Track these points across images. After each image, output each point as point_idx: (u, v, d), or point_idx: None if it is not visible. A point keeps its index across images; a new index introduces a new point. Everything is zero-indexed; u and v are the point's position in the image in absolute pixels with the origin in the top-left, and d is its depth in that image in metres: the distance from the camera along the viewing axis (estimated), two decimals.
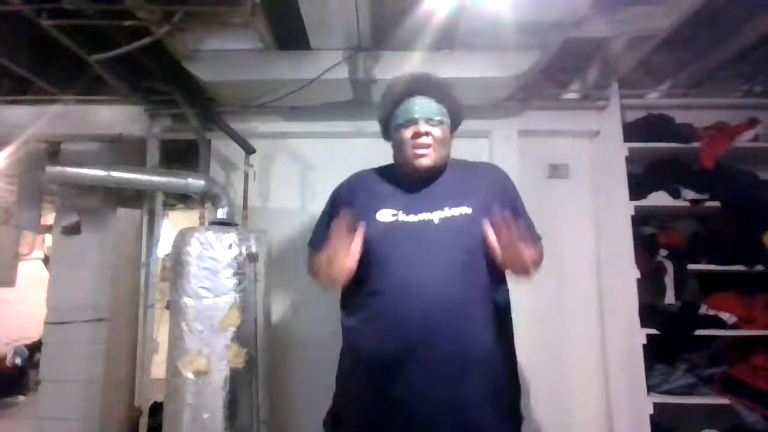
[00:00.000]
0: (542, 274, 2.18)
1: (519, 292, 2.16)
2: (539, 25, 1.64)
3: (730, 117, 2.25)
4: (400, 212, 1.16)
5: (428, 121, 1.19)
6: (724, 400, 1.97)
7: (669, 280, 2.15)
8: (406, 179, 1.25)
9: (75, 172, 1.89)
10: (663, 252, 2.18)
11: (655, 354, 2.04)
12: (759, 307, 2.06)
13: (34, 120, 2.15)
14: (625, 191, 2.11)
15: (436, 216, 1.14)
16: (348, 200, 1.27)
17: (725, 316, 2.05)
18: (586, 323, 2.21)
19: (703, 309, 2.11)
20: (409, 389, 1.07)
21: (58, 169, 1.89)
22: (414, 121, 1.19)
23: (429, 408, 1.06)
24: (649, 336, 1.99)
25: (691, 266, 2.12)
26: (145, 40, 1.60)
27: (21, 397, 3.93)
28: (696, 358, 2.13)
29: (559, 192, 2.29)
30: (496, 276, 1.16)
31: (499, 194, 1.21)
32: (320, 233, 1.31)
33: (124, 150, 2.27)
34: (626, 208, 2.09)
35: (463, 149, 2.39)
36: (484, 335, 1.11)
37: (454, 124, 1.28)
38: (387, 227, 1.15)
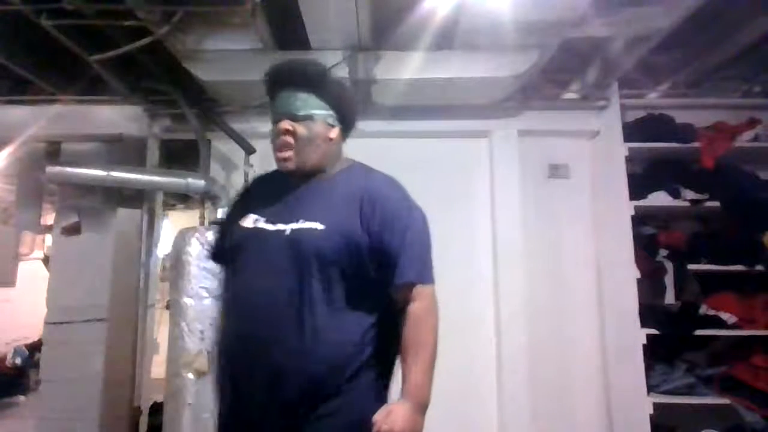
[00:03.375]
0: (542, 274, 2.23)
1: (519, 293, 2.20)
2: (539, 25, 1.64)
3: (730, 117, 2.25)
4: (263, 219, 1.09)
5: (293, 117, 1.06)
6: (724, 400, 1.96)
7: (669, 280, 2.16)
8: (285, 179, 1.13)
9: (75, 172, 1.89)
10: (663, 252, 2.18)
11: (655, 354, 2.04)
12: (759, 307, 2.06)
13: (34, 120, 2.14)
14: (625, 191, 2.11)
15: (289, 227, 1.04)
16: (235, 202, 1.24)
17: (725, 316, 2.05)
18: (586, 323, 2.21)
19: (703, 309, 2.11)
20: (237, 394, 1.04)
21: (58, 169, 1.90)
22: (278, 119, 1.07)
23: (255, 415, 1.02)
24: (649, 336, 1.99)
25: (691, 266, 2.12)
26: (145, 40, 1.61)
27: (21, 397, 3.92)
28: (696, 358, 2.13)
29: (559, 192, 2.29)
30: (364, 299, 1.03)
31: (367, 218, 1.03)
32: None
33: (124, 150, 2.27)
34: (626, 208, 2.09)
35: (464, 149, 2.37)
36: (312, 353, 0.98)
37: (343, 119, 1.12)
38: (246, 234, 1.09)
